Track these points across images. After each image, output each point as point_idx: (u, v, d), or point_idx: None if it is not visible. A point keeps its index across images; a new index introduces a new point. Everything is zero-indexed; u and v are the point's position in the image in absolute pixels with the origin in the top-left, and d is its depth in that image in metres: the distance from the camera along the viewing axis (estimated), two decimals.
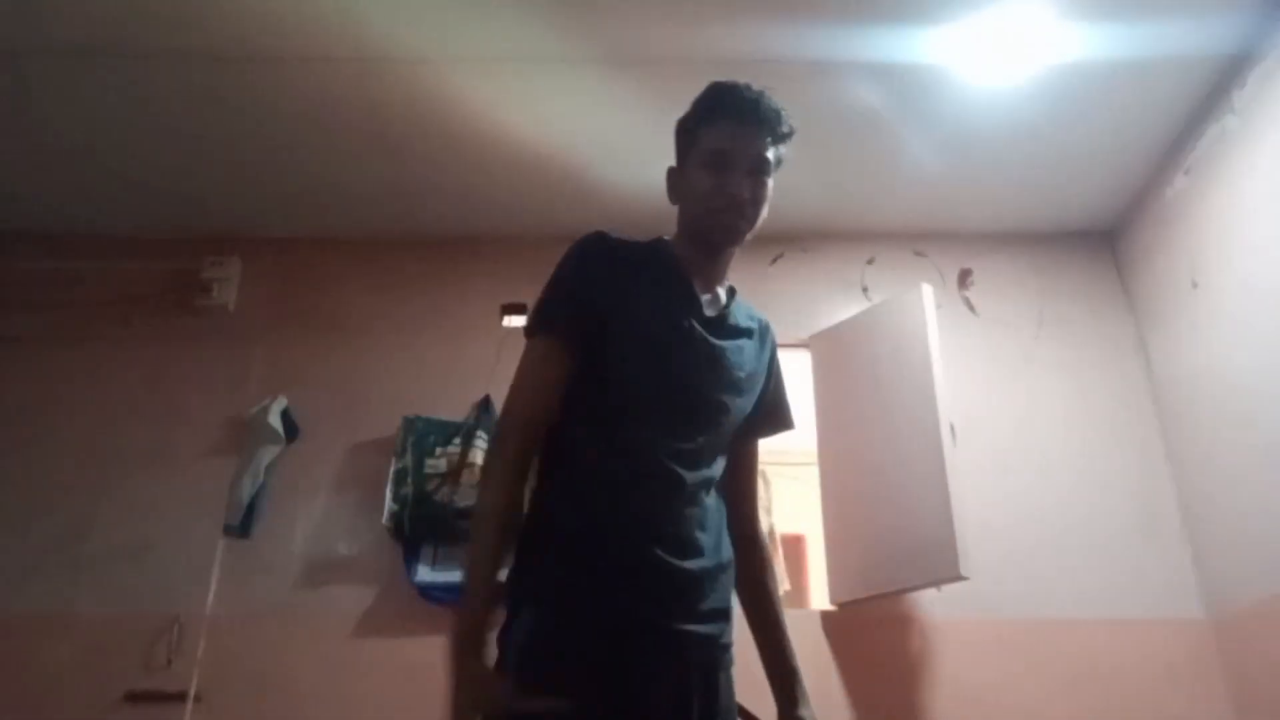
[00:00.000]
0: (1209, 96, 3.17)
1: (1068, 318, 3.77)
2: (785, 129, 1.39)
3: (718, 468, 1.38)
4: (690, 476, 1.30)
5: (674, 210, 1.50)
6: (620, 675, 1.18)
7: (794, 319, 3.76)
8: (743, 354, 1.42)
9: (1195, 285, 3.31)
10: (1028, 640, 3.19)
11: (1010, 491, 3.42)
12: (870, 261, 3.91)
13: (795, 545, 5.89)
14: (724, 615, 1.35)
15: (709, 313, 1.40)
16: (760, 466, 1.60)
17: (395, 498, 3.30)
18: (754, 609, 1.50)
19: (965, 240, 3.92)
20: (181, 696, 3.07)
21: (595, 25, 2.87)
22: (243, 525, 3.28)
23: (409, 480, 3.31)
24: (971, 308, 3.82)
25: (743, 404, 1.41)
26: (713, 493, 1.37)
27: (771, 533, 5.40)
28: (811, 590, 5.79)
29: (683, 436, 1.31)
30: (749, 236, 1.42)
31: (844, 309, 3.68)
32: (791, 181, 4.20)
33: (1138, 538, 3.36)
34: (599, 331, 1.30)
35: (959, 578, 2.83)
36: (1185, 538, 3.35)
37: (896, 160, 3.50)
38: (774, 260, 3.87)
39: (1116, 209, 3.79)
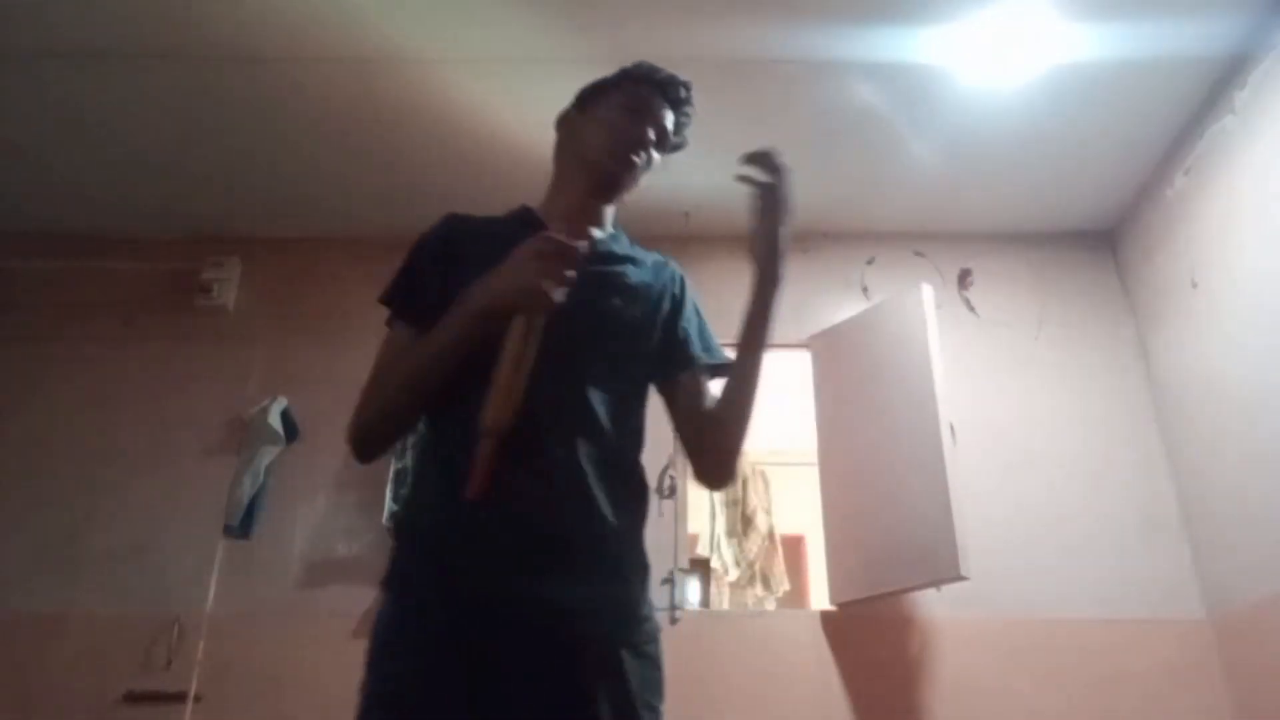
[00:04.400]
0: (1209, 96, 3.17)
1: (1068, 318, 3.77)
2: (687, 118, 1.46)
3: (602, 411, 1.22)
4: (550, 421, 1.16)
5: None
6: (468, 658, 1.07)
7: (794, 319, 3.76)
8: (626, 273, 1.34)
9: (1195, 285, 3.31)
10: (1028, 640, 3.19)
11: (1010, 491, 3.42)
12: (870, 261, 3.91)
13: (795, 545, 5.91)
14: (615, 577, 1.17)
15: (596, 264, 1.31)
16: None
17: (395, 498, 3.30)
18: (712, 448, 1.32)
19: (965, 240, 3.92)
20: (181, 696, 3.08)
21: (595, 25, 2.87)
22: (243, 525, 3.28)
23: (409, 480, 3.31)
24: (971, 308, 3.82)
25: (635, 314, 1.31)
26: (602, 441, 1.20)
27: (771, 533, 5.42)
28: (811, 590, 5.80)
29: (558, 373, 1.17)
30: (624, 197, 1.42)
31: (844, 309, 3.68)
32: (792, 181, 4.18)
33: (1138, 538, 3.36)
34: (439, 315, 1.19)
35: (959, 578, 2.83)
36: (1185, 538, 3.35)
37: (896, 160, 3.50)
38: None
39: (1116, 209, 3.79)
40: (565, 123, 1.46)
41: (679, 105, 1.44)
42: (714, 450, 1.32)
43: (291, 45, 2.98)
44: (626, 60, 1.42)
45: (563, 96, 1.50)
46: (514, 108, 3.22)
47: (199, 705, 3.09)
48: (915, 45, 2.96)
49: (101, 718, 3.07)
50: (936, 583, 3.00)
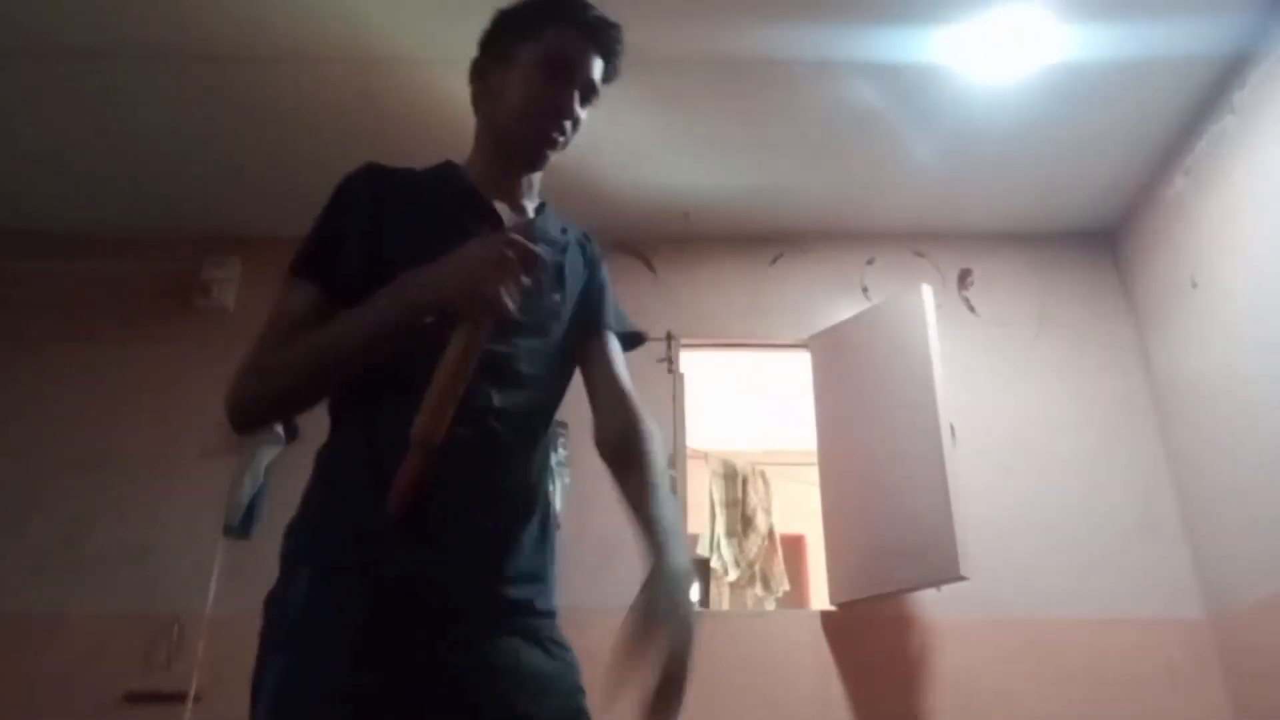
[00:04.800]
0: (1209, 96, 3.17)
1: (1068, 318, 3.77)
2: (618, 66, 1.28)
3: (535, 415, 1.18)
4: (486, 433, 1.11)
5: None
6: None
7: (794, 319, 3.77)
8: (563, 264, 1.27)
9: (1195, 285, 3.31)
10: (1028, 640, 3.19)
11: (1010, 491, 3.42)
12: (870, 261, 3.91)
13: (795, 545, 5.91)
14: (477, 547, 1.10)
15: None
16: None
17: None
18: (619, 467, 1.19)
19: (965, 240, 3.92)
20: (181, 696, 3.08)
21: None
22: (243, 525, 3.28)
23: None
24: (971, 308, 3.82)
25: (567, 304, 1.25)
26: (535, 452, 1.18)
27: (771, 533, 5.42)
28: (811, 590, 5.80)
29: (493, 378, 1.11)
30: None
31: (844, 309, 3.68)
32: (791, 181, 4.21)
33: (1138, 538, 3.36)
34: (372, 274, 1.09)
35: (959, 578, 2.83)
36: (1185, 538, 3.35)
37: (896, 160, 3.50)
38: (774, 260, 3.87)
39: (1116, 209, 3.79)
40: (479, 73, 1.29)
41: (610, 52, 1.26)
42: (603, 445, 1.24)
43: (291, 45, 2.98)
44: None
45: None
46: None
47: (199, 705, 3.08)
48: (915, 45, 2.96)
49: (101, 718, 3.06)
50: (936, 583, 3.00)
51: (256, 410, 1.11)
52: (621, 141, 3.38)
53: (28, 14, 2.85)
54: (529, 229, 1.10)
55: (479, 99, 1.29)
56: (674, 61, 3.01)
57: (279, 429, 3.40)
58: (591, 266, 1.35)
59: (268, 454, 3.38)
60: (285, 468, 3.41)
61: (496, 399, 1.12)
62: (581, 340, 1.28)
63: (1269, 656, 2.88)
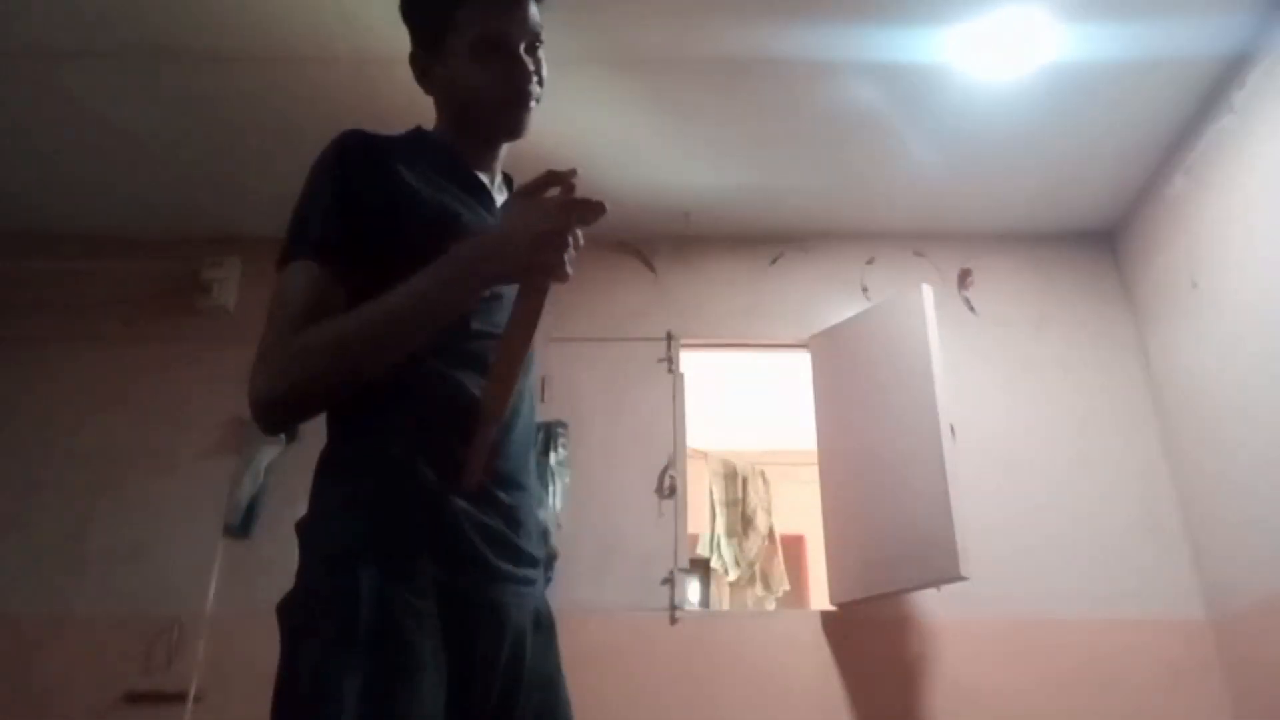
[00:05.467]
0: (1209, 96, 3.17)
1: (1068, 318, 3.77)
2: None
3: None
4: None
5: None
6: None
7: (794, 319, 3.77)
8: None
9: (1195, 285, 3.31)
10: (1028, 640, 3.19)
11: (1010, 491, 3.42)
12: (870, 261, 3.90)
13: (795, 545, 5.91)
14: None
15: (499, 200, 1.24)
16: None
17: None
18: None
19: (965, 240, 3.92)
20: (181, 696, 3.08)
21: (595, 25, 2.87)
22: (243, 525, 3.28)
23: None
24: (971, 308, 3.82)
25: None
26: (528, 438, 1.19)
27: (771, 533, 5.42)
28: (811, 590, 5.80)
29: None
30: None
31: (844, 309, 3.68)
32: (791, 181, 4.20)
33: (1138, 538, 3.36)
34: (377, 248, 1.05)
35: (959, 578, 2.83)
36: (1185, 538, 3.35)
37: (897, 160, 3.50)
38: (774, 260, 3.87)
39: (1116, 209, 3.79)
40: (421, 71, 1.24)
41: None
42: None
43: (291, 45, 2.98)
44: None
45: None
46: None
47: (199, 705, 3.09)
48: (915, 45, 2.96)
49: (101, 718, 3.07)
50: (936, 583, 3.00)
51: (301, 397, 0.98)
52: (621, 141, 3.38)
53: (28, 14, 2.85)
54: (571, 188, 1.07)
55: (429, 90, 1.25)
56: (674, 61, 3.00)
57: None
58: None
59: (268, 454, 3.38)
60: (285, 468, 3.41)
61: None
62: None
63: (1269, 656, 2.88)
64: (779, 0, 2.82)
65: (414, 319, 0.99)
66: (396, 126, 1.28)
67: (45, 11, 2.84)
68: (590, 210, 1.00)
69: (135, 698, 3.09)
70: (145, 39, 2.95)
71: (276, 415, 0.99)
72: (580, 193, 1.07)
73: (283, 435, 3.41)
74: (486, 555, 1.04)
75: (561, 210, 1.00)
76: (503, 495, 1.08)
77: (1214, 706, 3.07)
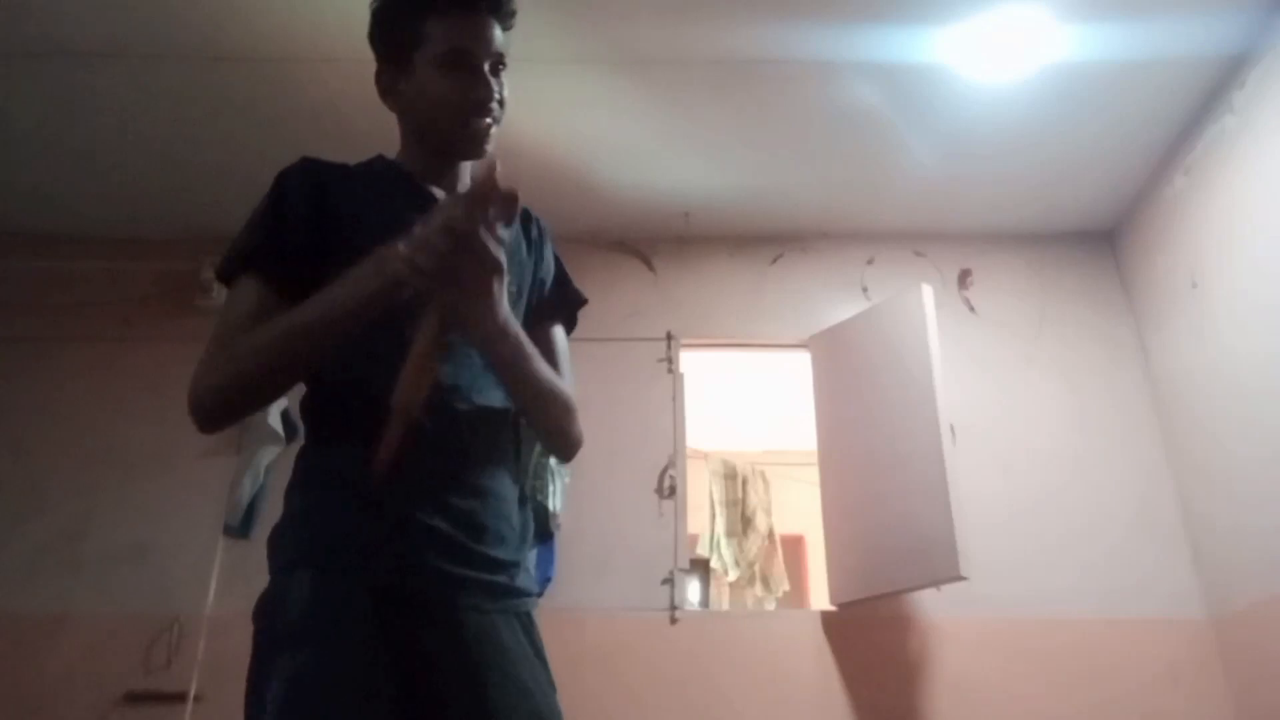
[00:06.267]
0: (1209, 96, 3.17)
1: (1068, 318, 3.77)
2: (513, 9, 1.22)
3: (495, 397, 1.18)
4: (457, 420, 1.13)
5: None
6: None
7: (794, 319, 3.77)
8: (516, 249, 1.26)
9: (1195, 285, 3.31)
10: (1028, 640, 3.19)
11: (1010, 491, 3.42)
12: (870, 261, 3.91)
13: (795, 545, 5.91)
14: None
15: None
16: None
17: None
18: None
19: (965, 240, 3.92)
20: (181, 697, 3.08)
21: (595, 25, 2.87)
22: (243, 525, 3.28)
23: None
24: (971, 308, 3.82)
25: (515, 290, 1.23)
26: (503, 432, 1.20)
27: (771, 533, 5.42)
28: (811, 590, 5.81)
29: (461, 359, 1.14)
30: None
31: (844, 309, 3.68)
32: (791, 181, 4.20)
33: (1138, 538, 3.36)
34: (318, 268, 1.09)
35: (959, 578, 2.83)
36: (1185, 538, 3.35)
37: (896, 160, 3.50)
38: (774, 260, 3.87)
39: (1116, 209, 3.79)
40: (385, 86, 1.25)
41: (504, 13, 1.20)
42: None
43: (291, 45, 2.98)
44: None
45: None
46: (513, 108, 3.21)
47: (199, 705, 3.09)
48: (915, 45, 2.96)
49: (101, 718, 3.07)
50: (936, 583, 3.00)
51: (226, 400, 1.06)
52: (621, 141, 3.38)
53: (28, 15, 2.85)
54: (491, 183, 1.04)
55: (392, 105, 1.27)
56: (674, 61, 3.00)
57: (279, 428, 3.40)
58: (537, 251, 1.33)
59: (268, 454, 3.38)
60: (285, 468, 3.40)
61: (454, 379, 1.13)
62: (529, 330, 1.24)
63: (1269, 657, 2.88)
64: (779, 0, 2.82)
65: (329, 320, 1.03)
66: (396, 126, 1.29)
67: (45, 13, 2.84)
68: (501, 202, 1.01)
69: (135, 697, 3.09)
70: (145, 39, 2.95)
71: (204, 414, 1.06)
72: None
73: (283, 435, 3.41)
74: (434, 560, 1.06)
75: (466, 204, 1.00)
76: (457, 500, 1.10)
77: (1214, 706, 3.07)
